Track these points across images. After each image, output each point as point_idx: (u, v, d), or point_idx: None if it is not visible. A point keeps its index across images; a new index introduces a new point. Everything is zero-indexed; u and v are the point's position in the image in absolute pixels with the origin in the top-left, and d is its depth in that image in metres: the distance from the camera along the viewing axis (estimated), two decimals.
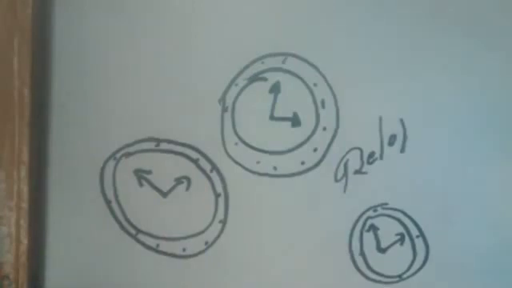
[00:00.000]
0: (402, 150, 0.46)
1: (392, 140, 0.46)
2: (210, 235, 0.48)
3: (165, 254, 0.47)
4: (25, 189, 0.45)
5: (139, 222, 0.47)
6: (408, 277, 0.48)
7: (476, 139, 0.46)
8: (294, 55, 0.44)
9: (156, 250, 0.47)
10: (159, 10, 0.44)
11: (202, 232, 0.47)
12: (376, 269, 0.48)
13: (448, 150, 0.47)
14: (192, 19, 0.44)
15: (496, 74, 0.46)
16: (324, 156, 0.46)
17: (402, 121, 0.46)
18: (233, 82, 0.44)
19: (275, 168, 0.46)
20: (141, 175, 0.46)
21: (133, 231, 0.47)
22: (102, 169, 0.46)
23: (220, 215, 0.47)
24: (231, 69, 0.44)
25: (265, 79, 0.44)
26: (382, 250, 0.48)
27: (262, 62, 0.44)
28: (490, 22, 0.45)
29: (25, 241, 0.46)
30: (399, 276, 0.48)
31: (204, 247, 0.48)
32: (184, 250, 0.47)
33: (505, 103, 0.47)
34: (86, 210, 0.47)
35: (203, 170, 0.46)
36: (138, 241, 0.47)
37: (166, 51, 0.44)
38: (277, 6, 0.44)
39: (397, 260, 0.48)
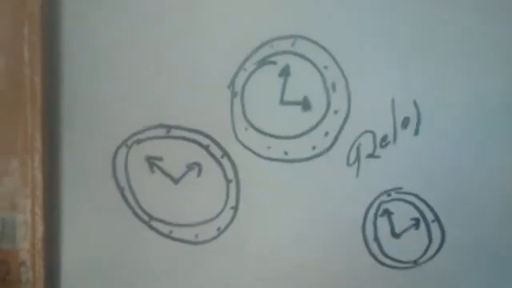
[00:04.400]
0: (416, 133, 0.43)
1: (405, 123, 0.42)
2: (222, 221, 0.45)
3: (178, 240, 0.45)
4: (39, 176, 0.43)
5: (152, 209, 0.45)
6: (423, 262, 0.45)
7: (491, 121, 0.42)
8: (304, 37, 0.41)
9: (169, 237, 0.45)
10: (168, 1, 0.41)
11: (214, 218, 0.45)
12: (391, 254, 0.45)
13: (463, 132, 0.43)
14: (199, 5, 0.41)
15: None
16: (336, 140, 0.43)
17: (415, 103, 0.42)
18: (241, 66, 0.42)
19: (286, 153, 0.43)
20: (152, 162, 0.44)
21: (146, 218, 0.45)
22: (114, 156, 0.44)
23: (232, 201, 0.45)
24: (239, 53, 0.42)
25: (274, 63, 0.41)
26: (396, 235, 0.45)
27: (271, 46, 0.41)
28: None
29: (40, 228, 0.44)
30: (414, 261, 0.45)
31: (216, 233, 0.45)
32: (197, 236, 0.45)
33: None
34: (99, 197, 0.45)
35: (214, 156, 0.43)
36: (151, 227, 0.45)
37: (174, 38, 0.42)
38: None
39: (412, 245, 0.45)
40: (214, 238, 0.46)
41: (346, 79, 0.42)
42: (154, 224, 0.45)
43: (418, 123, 0.43)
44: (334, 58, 0.42)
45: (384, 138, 0.43)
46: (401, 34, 0.42)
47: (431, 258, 0.46)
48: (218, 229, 0.46)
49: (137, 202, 0.45)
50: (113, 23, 0.42)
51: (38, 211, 0.44)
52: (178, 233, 0.46)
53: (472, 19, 0.41)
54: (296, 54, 0.42)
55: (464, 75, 0.42)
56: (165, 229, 0.46)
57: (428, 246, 0.45)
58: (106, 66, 0.42)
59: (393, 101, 0.42)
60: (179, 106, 0.43)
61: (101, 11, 0.42)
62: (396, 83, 0.42)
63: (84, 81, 0.43)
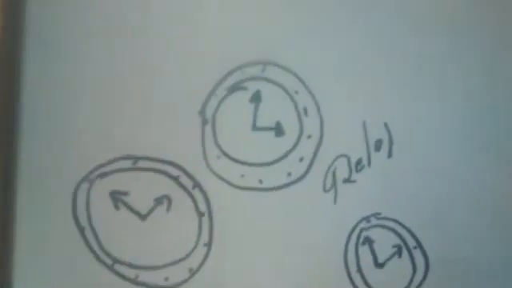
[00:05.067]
0: (390, 155, 0.42)
1: (378, 145, 0.42)
2: (194, 261, 0.41)
3: (145, 285, 0.41)
4: None
5: (116, 251, 0.40)
6: None
7: (467, 140, 0.43)
8: (273, 63, 0.41)
9: (135, 282, 0.41)
10: (135, 22, 0.40)
11: (186, 258, 0.41)
12: (375, 286, 0.42)
13: (437, 153, 0.43)
14: (166, 31, 0.40)
15: (480, 74, 0.43)
16: (311, 165, 0.42)
17: (386, 125, 0.42)
18: (212, 92, 0.40)
19: (261, 181, 0.41)
20: (117, 197, 0.40)
21: (109, 261, 0.40)
22: (75, 192, 0.40)
23: (204, 237, 0.41)
24: (210, 79, 0.41)
25: (245, 88, 0.41)
26: (379, 265, 0.42)
27: (241, 72, 0.40)
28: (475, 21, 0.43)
29: None
30: None
31: (188, 275, 0.41)
32: (166, 279, 0.41)
33: (491, 104, 0.43)
34: (56, 239, 0.40)
35: (185, 188, 0.40)
36: (115, 272, 0.40)
37: (141, 64, 0.40)
38: (252, 15, 0.41)
39: (396, 275, 0.43)
40: (185, 280, 0.41)
41: (317, 104, 0.42)
42: (119, 268, 0.41)
43: (391, 145, 0.43)
44: (304, 83, 0.42)
45: (358, 161, 0.42)
46: (370, 58, 0.42)
47: (418, 287, 0.43)
48: (190, 270, 0.41)
49: (99, 243, 0.41)
50: (77, 50, 0.40)
51: None
52: (145, 277, 0.41)
53: (442, 43, 0.43)
54: (266, 79, 0.42)
55: (433, 96, 0.43)
56: (130, 273, 0.41)
57: (413, 275, 0.43)
58: (68, 94, 0.40)
59: (364, 123, 0.42)
60: (147, 135, 0.41)
61: (64, 39, 0.40)
62: (366, 106, 0.42)
63: (43, 110, 0.40)
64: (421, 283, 0.43)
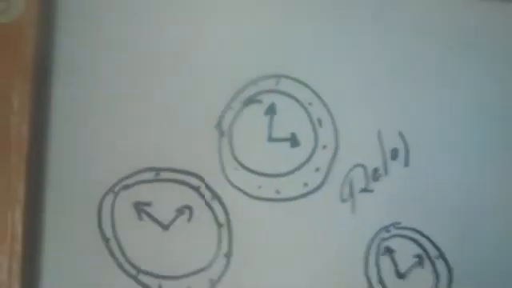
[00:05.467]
0: (406, 164, 0.42)
1: (394, 154, 0.42)
2: (214, 271, 0.42)
3: None
4: (19, 229, 0.40)
5: (140, 261, 0.41)
6: None
7: (483, 146, 0.42)
8: (287, 76, 0.42)
9: None
10: (152, 39, 0.42)
11: (206, 268, 0.42)
12: None
13: (455, 160, 0.42)
14: (183, 46, 0.42)
15: (493, 85, 0.43)
16: (327, 175, 0.42)
17: (401, 133, 0.42)
18: (228, 106, 0.42)
19: (278, 192, 0.42)
20: (140, 208, 0.42)
21: (133, 271, 0.41)
22: (100, 204, 0.41)
23: (224, 248, 0.42)
24: (226, 93, 0.42)
25: (260, 101, 0.42)
26: (401, 276, 0.42)
27: (256, 85, 0.42)
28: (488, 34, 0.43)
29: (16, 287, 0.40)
30: None
31: (208, 286, 0.41)
32: None
33: (504, 114, 0.43)
34: (82, 251, 0.42)
35: (204, 199, 0.41)
36: (139, 282, 0.41)
37: (161, 78, 0.42)
38: (265, 29, 0.43)
39: (419, 285, 0.42)
40: None
41: (331, 114, 0.43)
42: (142, 278, 0.42)
43: (407, 154, 0.43)
44: (317, 95, 0.43)
45: (375, 170, 0.42)
46: (383, 69, 0.43)
47: None
48: (211, 280, 0.42)
49: (123, 253, 0.42)
50: (100, 66, 0.42)
51: (16, 269, 0.41)
52: (167, 286, 0.42)
53: (455, 55, 0.43)
54: (280, 92, 0.43)
55: (447, 105, 0.43)
56: (154, 283, 0.42)
57: (436, 285, 0.42)
58: (92, 108, 0.42)
59: (379, 133, 0.42)
60: (168, 147, 0.42)
61: (91, 53, 0.43)
62: (380, 115, 0.43)
63: (71, 127, 0.42)
64: None
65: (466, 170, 0.42)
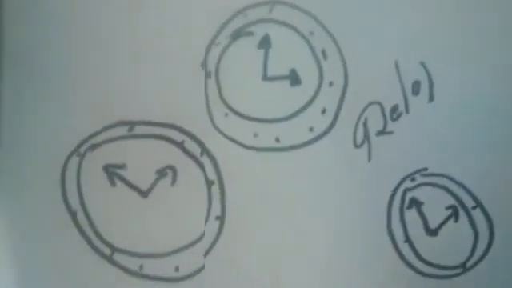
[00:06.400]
0: (431, 99, 0.35)
1: (416, 88, 0.35)
2: (205, 239, 0.34)
3: (152, 278, 0.34)
4: None
5: (114, 237, 0.34)
6: (474, 264, 0.34)
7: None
8: (282, 2, 0.34)
9: (140, 274, 0.34)
10: None
11: (198, 240, 0.34)
12: (429, 259, 0.34)
13: (490, 92, 0.35)
14: None
15: None
16: (336, 117, 0.34)
17: (423, 64, 0.34)
18: (213, 41, 0.34)
19: (278, 139, 0.34)
20: (113, 171, 0.34)
21: (107, 250, 0.34)
22: (64, 169, 0.34)
23: (216, 209, 0.35)
24: (209, 27, 0.34)
25: (251, 34, 0.34)
26: (432, 232, 0.34)
27: (245, 15, 0.34)
28: None
29: None
30: (462, 265, 0.34)
31: (202, 261, 0.34)
32: (177, 269, 0.33)
33: None
34: (44, 228, 0.34)
35: (191, 155, 0.34)
36: (115, 263, 0.34)
37: (131, 12, 0.34)
38: None
39: (454, 243, 0.34)
40: (200, 269, 0.34)
41: (337, 44, 0.35)
42: (119, 258, 0.34)
43: (431, 87, 0.35)
44: (319, 22, 0.35)
45: (394, 108, 0.35)
46: None
47: (482, 257, 0.35)
48: (203, 251, 0.34)
49: (94, 229, 0.34)
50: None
51: None
52: (150, 267, 0.34)
53: None
54: (275, 21, 0.35)
55: (477, 29, 0.35)
56: (133, 263, 0.34)
57: (475, 242, 0.35)
58: (51, 54, 0.34)
59: (396, 64, 0.35)
60: (142, 95, 0.34)
61: None
62: (397, 43, 0.35)
63: (24, 75, 0.34)
64: (486, 251, 0.34)
65: (505, 103, 0.34)
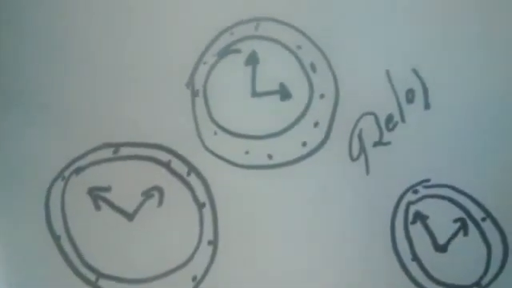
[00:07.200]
0: (427, 106, 0.33)
1: (410, 96, 0.33)
2: (198, 265, 0.32)
3: None
4: None
5: (99, 263, 0.32)
6: (490, 282, 0.31)
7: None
8: (268, 18, 0.34)
9: None
10: None
11: (187, 263, 0.32)
12: (441, 278, 0.31)
13: (489, 95, 0.33)
14: None
15: None
16: (329, 130, 0.33)
17: (415, 71, 0.33)
18: (200, 60, 0.33)
19: (270, 156, 0.33)
20: (97, 195, 0.32)
21: (92, 276, 0.32)
22: (48, 193, 0.32)
23: (208, 234, 0.32)
24: (196, 46, 0.34)
25: (238, 51, 0.34)
26: (441, 248, 0.32)
27: (231, 33, 0.34)
28: None
29: None
30: (477, 284, 0.31)
31: (192, 285, 0.31)
32: None
33: None
34: (27, 253, 0.32)
35: (178, 175, 0.32)
36: None
37: (115, 33, 0.34)
38: None
39: (466, 259, 0.31)
40: None
41: (325, 57, 0.34)
42: (104, 284, 0.32)
43: (426, 94, 0.34)
44: (307, 36, 0.35)
45: (389, 118, 0.33)
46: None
47: (498, 273, 0.32)
48: (194, 278, 0.32)
49: (78, 254, 0.32)
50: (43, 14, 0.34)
51: None
52: None
53: None
54: (262, 37, 0.35)
55: (470, 33, 0.34)
56: None
57: (489, 256, 0.32)
58: (34, 77, 0.34)
59: (388, 73, 0.34)
60: (127, 116, 0.34)
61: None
62: (386, 52, 0.34)
63: (6, 99, 0.34)
64: (502, 267, 0.31)
65: (502, 104, 0.33)
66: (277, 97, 0.34)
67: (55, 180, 0.33)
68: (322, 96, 0.34)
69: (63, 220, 0.33)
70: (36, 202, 0.33)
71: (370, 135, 0.33)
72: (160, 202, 0.33)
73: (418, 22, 0.34)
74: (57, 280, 0.31)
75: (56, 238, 0.32)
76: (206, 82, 0.34)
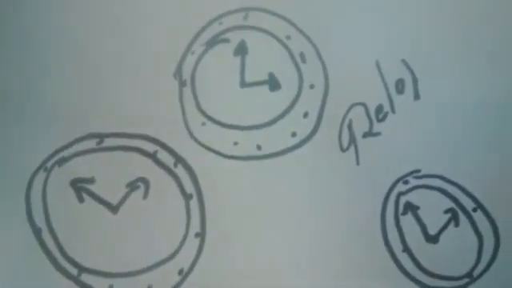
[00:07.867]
0: (417, 97, 0.33)
1: (400, 86, 0.33)
2: (184, 258, 0.31)
3: None
4: None
5: (82, 256, 0.31)
6: (482, 273, 0.30)
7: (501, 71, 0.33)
8: (257, 8, 0.34)
9: None
10: None
11: (174, 256, 0.31)
12: (432, 269, 0.31)
13: (478, 86, 0.33)
14: None
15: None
16: (319, 121, 0.33)
17: (405, 61, 0.33)
18: (188, 49, 0.33)
19: (259, 147, 0.32)
20: (80, 186, 0.31)
21: (74, 271, 0.31)
22: (29, 185, 0.31)
23: (195, 226, 0.31)
24: (184, 35, 0.33)
25: (226, 40, 0.33)
26: (432, 239, 0.31)
27: (220, 23, 0.33)
28: None
29: None
30: (469, 274, 0.30)
31: (178, 279, 0.30)
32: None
33: None
34: (7, 247, 0.30)
35: (165, 166, 0.31)
36: (82, 284, 0.30)
37: (104, 21, 0.33)
38: None
39: (457, 250, 0.31)
40: (177, 286, 0.31)
41: (315, 47, 0.34)
42: (86, 279, 0.31)
43: (416, 85, 0.33)
44: (296, 26, 0.34)
45: (379, 108, 0.33)
46: None
47: (489, 264, 0.31)
48: (181, 271, 0.31)
49: (60, 248, 0.31)
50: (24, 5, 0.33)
51: None
52: (122, 287, 0.31)
53: None
54: (251, 27, 0.34)
55: (458, 24, 0.34)
56: (102, 284, 0.31)
57: (480, 247, 0.31)
58: (17, 65, 0.33)
59: (377, 63, 0.33)
60: (112, 106, 0.33)
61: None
62: (376, 42, 0.34)
63: None
64: (493, 257, 0.31)
65: (491, 94, 0.33)
66: (266, 87, 0.33)
67: (37, 171, 0.32)
68: (311, 86, 0.33)
69: (45, 212, 0.31)
70: (16, 194, 0.31)
71: (360, 126, 0.33)
72: (146, 194, 0.32)
73: (408, 13, 0.34)
74: (37, 275, 0.30)
75: (37, 231, 0.31)
76: (193, 71, 0.34)
